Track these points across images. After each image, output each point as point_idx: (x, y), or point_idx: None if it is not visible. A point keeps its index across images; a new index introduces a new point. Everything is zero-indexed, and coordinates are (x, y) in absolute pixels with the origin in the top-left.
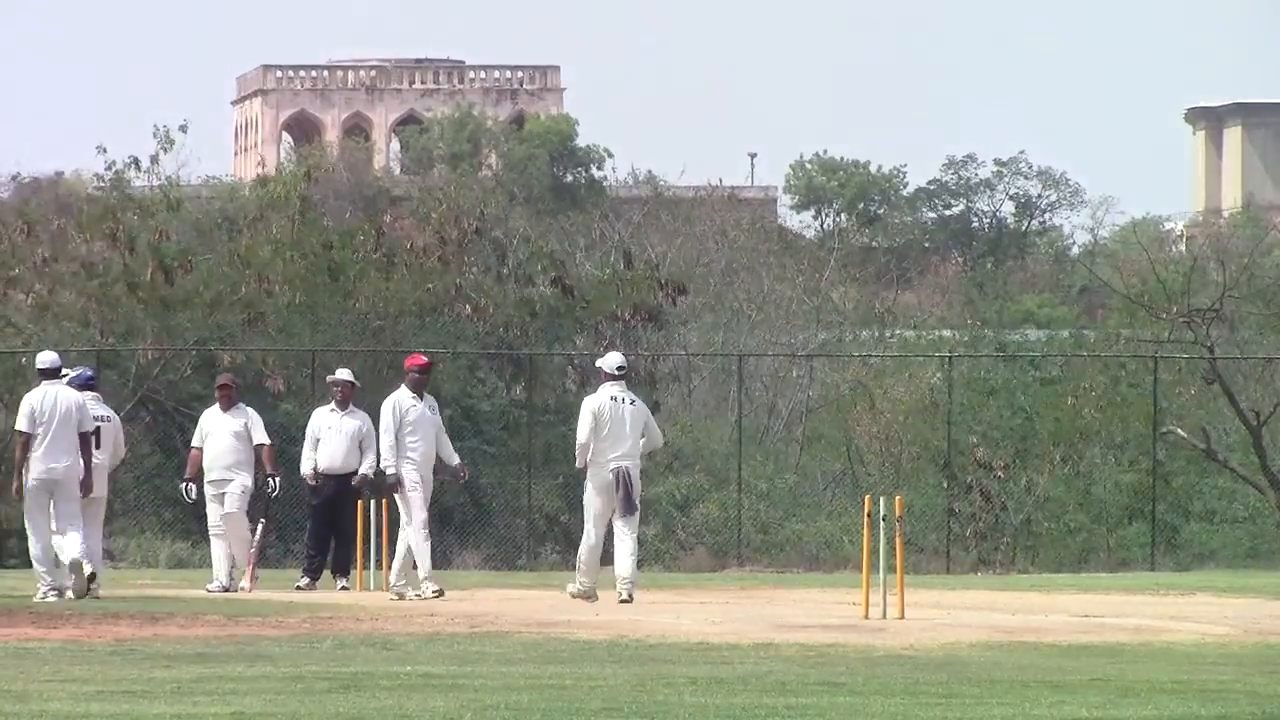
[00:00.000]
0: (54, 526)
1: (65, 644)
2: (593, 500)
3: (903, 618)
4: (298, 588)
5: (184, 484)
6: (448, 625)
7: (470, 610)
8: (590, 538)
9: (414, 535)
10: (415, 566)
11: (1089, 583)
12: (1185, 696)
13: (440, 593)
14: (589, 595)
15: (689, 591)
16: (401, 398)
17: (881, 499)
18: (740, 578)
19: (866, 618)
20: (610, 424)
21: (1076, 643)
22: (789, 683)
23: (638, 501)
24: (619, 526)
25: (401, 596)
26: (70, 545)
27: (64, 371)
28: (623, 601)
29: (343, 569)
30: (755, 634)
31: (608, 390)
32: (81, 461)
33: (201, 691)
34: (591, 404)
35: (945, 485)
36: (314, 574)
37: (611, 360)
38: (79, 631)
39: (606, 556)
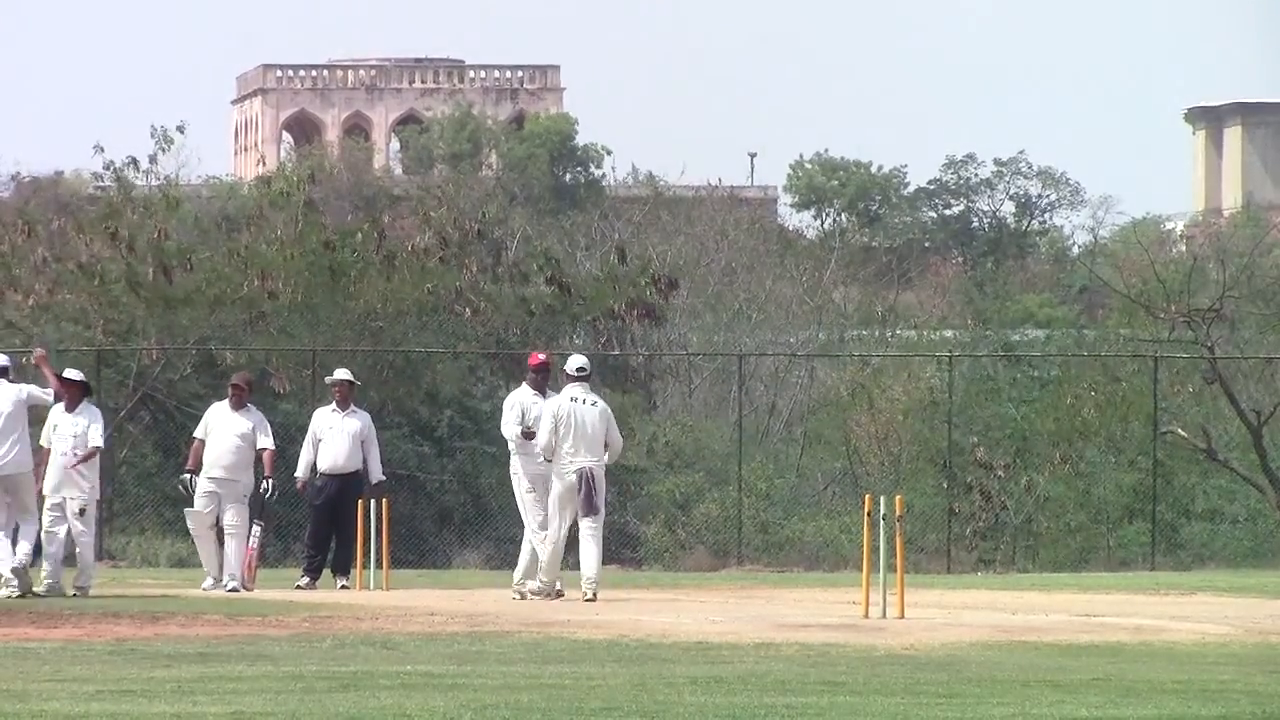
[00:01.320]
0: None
1: (65, 644)
2: (555, 500)
3: (903, 617)
4: (298, 587)
5: (186, 475)
6: (448, 625)
7: (470, 610)
8: (552, 535)
9: (532, 537)
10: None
11: (1089, 582)
12: (1186, 696)
13: (558, 594)
14: (550, 592)
15: (689, 591)
16: (523, 396)
17: (881, 498)
18: (740, 577)
19: (866, 617)
20: (571, 425)
21: (1077, 642)
22: (789, 682)
23: (600, 503)
24: (582, 527)
25: (522, 596)
26: (8, 551)
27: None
28: (587, 600)
29: (343, 568)
30: (755, 633)
31: (569, 391)
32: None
33: (202, 691)
34: (551, 405)
35: (945, 485)
36: (314, 573)
37: (573, 362)
38: (79, 631)
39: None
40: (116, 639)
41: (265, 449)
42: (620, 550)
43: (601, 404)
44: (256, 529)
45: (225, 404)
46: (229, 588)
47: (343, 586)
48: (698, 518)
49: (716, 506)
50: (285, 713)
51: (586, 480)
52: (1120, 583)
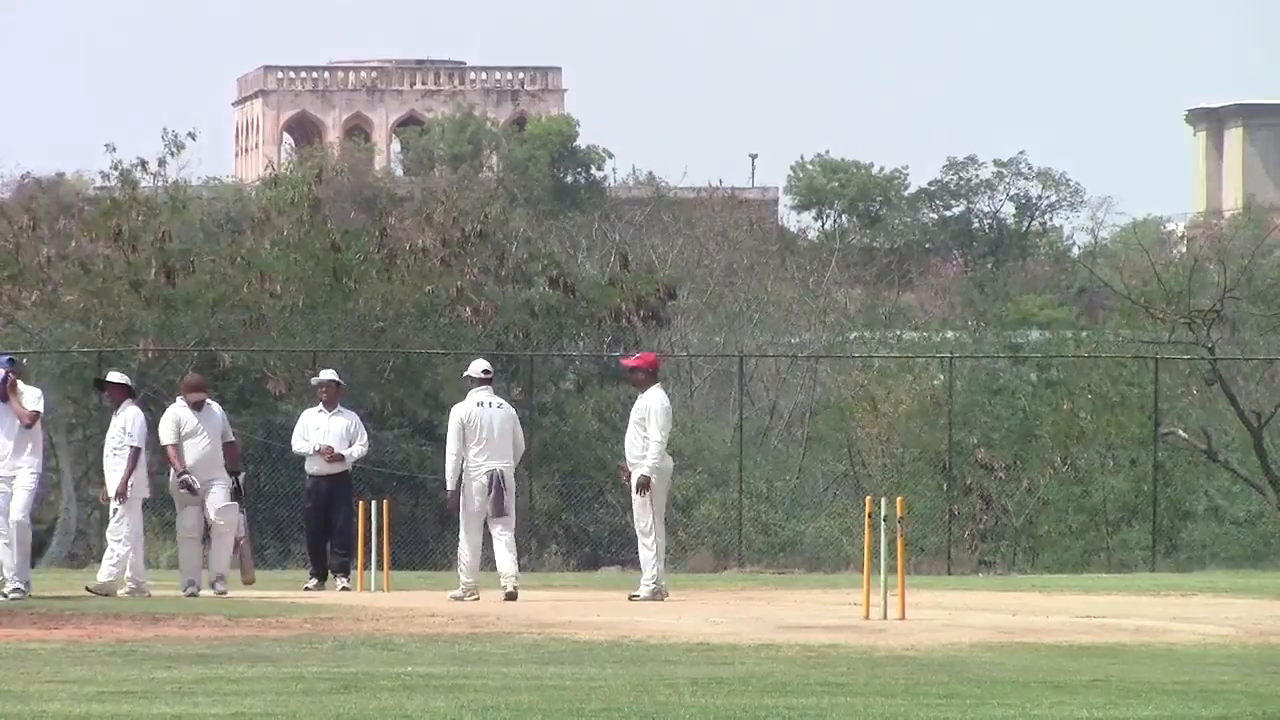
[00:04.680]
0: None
1: (66, 645)
2: (469, 503)
3: (904, 618)
4: (306, 589)
5: (184, 476)
6: (449, 626)
7: (471, 611)
8: (468, 540)
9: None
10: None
11: (1090, 583)
12: (1186, 697)
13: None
14: (473, 594)
15: (690, 592)
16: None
17: (882, 500)
18: (741, 578)
19: (867, 618)
20: (479, 429)
21: (1077, 643)
22: (790, 683)
23: (510, 505)
24: (494, 528)
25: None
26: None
27: None
28: (509, 597)
29: (343, 570)
30: (756, 635)
31: (475, 396)
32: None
33: (202, 692)
34: (459, 412)
35: (945, 487)
36: (320, 575)
37: (477, 366)
38: (80, 632)
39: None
40: (117, 640)
41: (232, 441)
42: (620, 552)
43: (508, 406)
44: (242, 517)
45: (183, 408)
46: (217, 590)
47: (343, 588)
48: (699, 519)
49: (717, 508)
50: (286, 714)
51: (496, 482)
52: (1120, 584)
